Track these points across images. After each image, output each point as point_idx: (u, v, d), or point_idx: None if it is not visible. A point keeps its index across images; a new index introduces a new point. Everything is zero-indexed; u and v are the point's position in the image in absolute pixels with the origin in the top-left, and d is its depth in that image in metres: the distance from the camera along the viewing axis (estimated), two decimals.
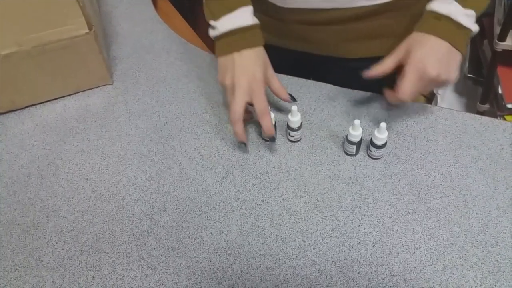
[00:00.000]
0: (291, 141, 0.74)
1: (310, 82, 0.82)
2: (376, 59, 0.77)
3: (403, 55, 0.66)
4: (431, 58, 0.64)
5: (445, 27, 0.64)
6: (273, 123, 0.70)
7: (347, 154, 0.72)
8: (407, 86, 0.64)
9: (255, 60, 0.68)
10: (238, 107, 0.67)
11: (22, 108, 0.82)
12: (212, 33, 0.70)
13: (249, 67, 0.67)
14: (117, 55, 0.90)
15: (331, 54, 0.81)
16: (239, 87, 0.67)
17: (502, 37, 1.39)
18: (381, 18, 0.74)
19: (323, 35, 0.78)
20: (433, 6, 0.65)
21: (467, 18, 0.64)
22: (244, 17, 0.68)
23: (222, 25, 0.68)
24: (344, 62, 0.81)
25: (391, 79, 0.69)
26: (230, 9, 0.68)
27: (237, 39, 0.68)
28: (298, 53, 0.83)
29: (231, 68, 0.68)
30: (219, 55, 0.70)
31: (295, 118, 0.70)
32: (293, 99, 0.72)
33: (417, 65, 0.64)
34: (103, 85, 0.85)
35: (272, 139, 0.71)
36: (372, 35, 0.77)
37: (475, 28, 0.65)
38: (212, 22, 0.69)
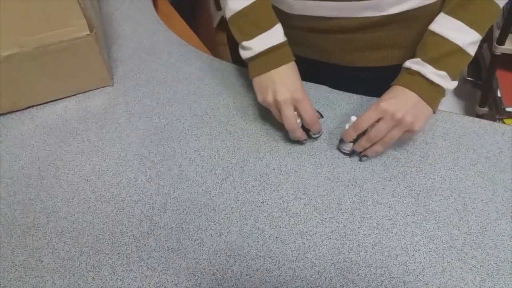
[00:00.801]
0: (313, 138, 0.74)
1: (309, 84, 0.82)
2: (381, 69, 0.78)
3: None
4: (397, 102, 0.66)
5: (416, 81, 0.67)
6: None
7: (342, 153, 0.72)
8: (364, 117, 0.68)
9: (292, 73, 0.70)
10: (291, 120, 0.69)
11: (23, 109, 0.82)
12: (245, 54, 0.71)
13: (288, 80, 0.69)
14: (117, 56, 0.90)
15: (336, 62, 0.82)
16: (284, 102, 0.68)
17: (501, 41, 1.40)
18: (387, 30, 0.74)
19: (328, 43, 0.79)
20: (408, 63, 0.68)
21: (439, 78, 0.66)
22: (277, 35, 0.70)
23: (257, 45, 0.69)
24: (350, 71, 0.82)
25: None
26: (263, 28, 0.69)
27: (273, 57, 0.70)
28: (305, 59, 0.84)
29: (271, 85, 0.69)
30: (255, 75, 0.71)
31: None
32: (321, 116, 0.74)
33: (381, 104, 0.67)
34: (103, 87, 0.85)
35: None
36: (377, 46, 0.77)
37: (449, 86, 0.67)
38: (244, 43, 0.70)
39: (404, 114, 0.65)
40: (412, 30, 0.74)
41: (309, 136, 0.74)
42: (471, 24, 0.66)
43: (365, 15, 0.72)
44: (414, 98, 0.66)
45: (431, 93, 0.67)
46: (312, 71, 0.84)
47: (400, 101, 0.66)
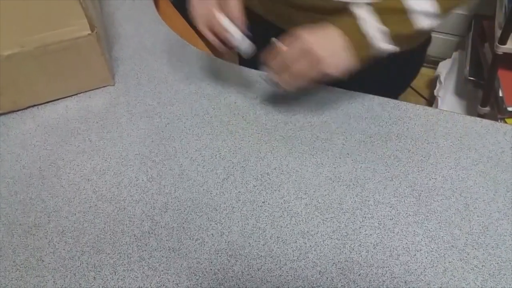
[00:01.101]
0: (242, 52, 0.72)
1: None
2: None
3: None
4: (323, 39, 0.64)
5: (352, 26, 0.64)
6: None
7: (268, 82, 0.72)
8: (289, 47, 0.65)
9: None
10: (195, 16, 0.68)
11: (24, 109, 0.82)
12: None
13: None
14: (119, 56, 0.90)
15: None
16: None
17: (503, 40, 1.40)
18: None
19: (305, 21, 0.79)
20: (353, 6, 0.66)
21: (378, 33, 0.63)
22: None
23: None
24: None
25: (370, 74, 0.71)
26: None
27: None
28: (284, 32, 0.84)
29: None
30: None
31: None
32: (246, 30, 0.70)
33: (305, 34, 0.64)
34: (104, 86, 0.85)
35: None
36: None
37: (382, 45, 0.64)
38: None
39: (325, 54, 0.63)
40: None
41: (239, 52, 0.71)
42: None
43: None
44: (343, 42, 0.64)
45: (362, 44, 0.64)
46: None
47: (327, 41, 0.64)
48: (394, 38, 0.64)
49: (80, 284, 0.61)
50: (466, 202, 0.67)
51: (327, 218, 0.66)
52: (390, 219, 0.65)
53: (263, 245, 0.64)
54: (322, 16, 0.75)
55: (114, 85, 0.86)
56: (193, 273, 0.62)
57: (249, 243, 0.64)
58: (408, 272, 0.61)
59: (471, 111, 1.73)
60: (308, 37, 0.64)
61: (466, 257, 0.61)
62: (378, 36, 0.64)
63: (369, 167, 0.71)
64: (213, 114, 0.80)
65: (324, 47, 0.64)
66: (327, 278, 0.60)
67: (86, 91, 0.85)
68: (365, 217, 0.66)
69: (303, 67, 0.65)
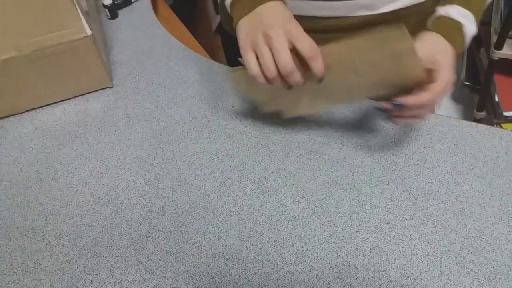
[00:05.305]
0: None
1: None
2: None
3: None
4: (449, 62, 0.65)
5: (455, 31, 0.67)
6: None
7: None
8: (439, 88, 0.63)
9: (281, 7, 0.61)
10: (285, 55, 0.57)
11: (22, 112, 0.82)
12: (227, 0, 0.66)
13: (279, 11, 0.60)
14: (117, 59, 0.91)
15: None
16: (275, 33, 0.57)
17: (499, 46, 1.41)
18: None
19: (322, 43, 0.79)
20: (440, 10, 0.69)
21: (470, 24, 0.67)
22: None
23: None
24: None
25: None
26: None
27: None
28: None
29: (258, 20, 0.60)
30: (239, 18, 0.62)
31: None
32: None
33: (446, 69, 0.64)
34: (102, 89, 0.86)
35: (320, 80, 0.63)
36: None
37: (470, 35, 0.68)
38: None
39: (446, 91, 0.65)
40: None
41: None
42: None
43: (359, 14, 0.73)
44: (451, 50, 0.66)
45: (461, 44, 0.67)
46: None
47: (448, 76, 0.64)
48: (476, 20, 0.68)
49: (77, 287, 0.61)
50: (462, 206, 0.67)
51: (324, 222, 0.66)
52: (387, 223, 0.66)
53: (260, 248, 0.64)
54: (336, 35, 0.72)
55: (112, 87, 0.86)
56: (191, 276, 0.62)
57: (246, 246, 0.64)
58: (405, 276, 0.61)
59: (467, 116, 1.74)
60: (439, 89, 0.63)
61: (462, 261, 0.62)
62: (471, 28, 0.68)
63: (366, 171, 0.71)
64: (210, 117, 0.80)
65: (447, 86, 0.64)
66: (323, 282, 0.61)
67: (84, 94, 0.85)
68: (362, 221, 0.66)
69: (427, 112, 0.66)
